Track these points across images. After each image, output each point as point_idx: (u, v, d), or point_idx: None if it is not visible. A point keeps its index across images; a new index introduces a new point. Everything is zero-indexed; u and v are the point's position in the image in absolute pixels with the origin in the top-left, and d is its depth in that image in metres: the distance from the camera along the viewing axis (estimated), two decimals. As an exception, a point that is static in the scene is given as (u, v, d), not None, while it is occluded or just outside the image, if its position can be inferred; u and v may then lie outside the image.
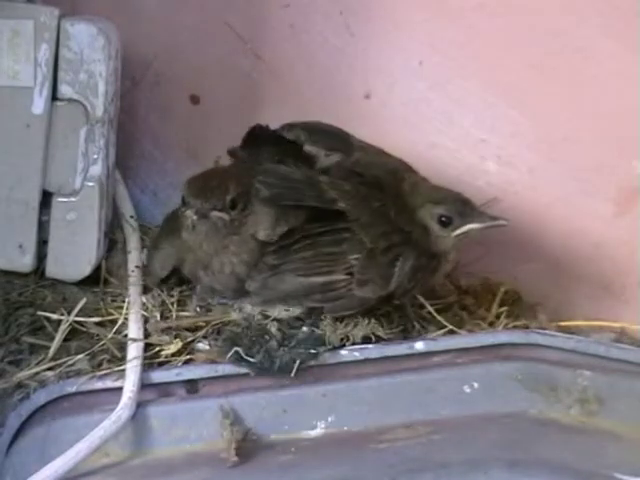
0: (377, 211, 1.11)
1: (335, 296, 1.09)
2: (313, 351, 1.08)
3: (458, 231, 1.12)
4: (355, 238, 1.09)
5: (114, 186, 1.25)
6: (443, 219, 1.11)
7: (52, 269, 1.19)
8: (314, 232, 1.10)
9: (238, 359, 1.08)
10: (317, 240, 1.10)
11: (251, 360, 1.07)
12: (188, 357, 1.11)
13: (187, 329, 1.13)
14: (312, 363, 1.08)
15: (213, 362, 1.09)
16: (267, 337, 1.09)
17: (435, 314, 1.17)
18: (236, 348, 1.08)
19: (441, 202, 1.12)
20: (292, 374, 1.07)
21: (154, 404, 1.07)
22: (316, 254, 1.09)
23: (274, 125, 1.18)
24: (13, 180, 1.18)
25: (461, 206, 1.11)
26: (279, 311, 1.11)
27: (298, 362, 1.07)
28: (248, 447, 1.03)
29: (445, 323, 1.15)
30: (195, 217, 1.08)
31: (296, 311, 1.11)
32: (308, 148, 1.15)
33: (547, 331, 1.14)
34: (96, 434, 1.01)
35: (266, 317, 1.11)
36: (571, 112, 1.29)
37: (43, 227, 1.19)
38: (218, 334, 1.13)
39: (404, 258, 1.10)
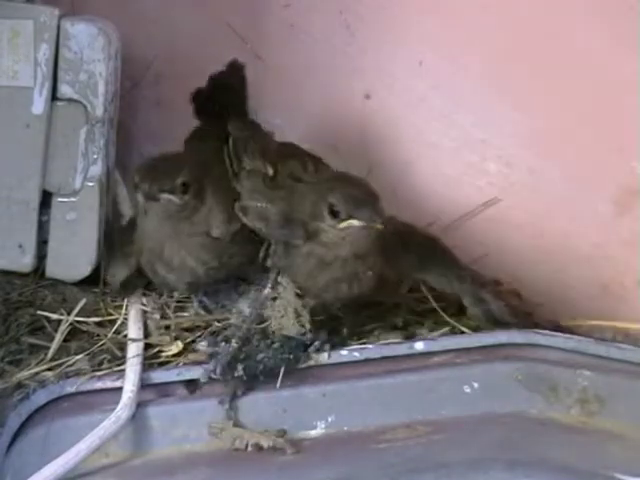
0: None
1: None
2: (291, 356, 1.08)
3: (343, 224, 1.06)
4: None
5: (114, 186, 1.25)
6: (334, 209, 1.06)
7: (52, 269, 1.19)
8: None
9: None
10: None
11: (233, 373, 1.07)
12: (188, 357, 1.11)
13: (186, 330, 1.13)
14: (301, 366, 1.09)
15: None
16: (255, 342, 1.09)
17: (441, 312, 1.18)
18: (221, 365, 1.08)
19: (333, 192, 1.07)
20: (277, 385, 1.07)
21: (154, 404, 1.07)
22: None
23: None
24: (13, 180, 1.18)
25: (352, 201, 1.05)
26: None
27: (283, 369, 1.07)
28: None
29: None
30: (143, 200, 1.06)
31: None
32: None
33: (547, 331, 1.14)
34: (96, 434, 1.01)
35: (263, 321, 1.11)
36: (571, 113, 1.29)
37: (43, 227, 1.19)
38: (217, 336, 1.13)
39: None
